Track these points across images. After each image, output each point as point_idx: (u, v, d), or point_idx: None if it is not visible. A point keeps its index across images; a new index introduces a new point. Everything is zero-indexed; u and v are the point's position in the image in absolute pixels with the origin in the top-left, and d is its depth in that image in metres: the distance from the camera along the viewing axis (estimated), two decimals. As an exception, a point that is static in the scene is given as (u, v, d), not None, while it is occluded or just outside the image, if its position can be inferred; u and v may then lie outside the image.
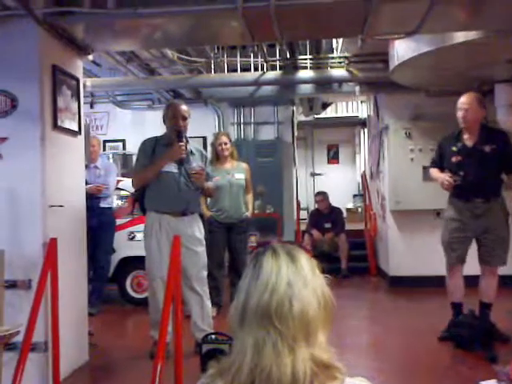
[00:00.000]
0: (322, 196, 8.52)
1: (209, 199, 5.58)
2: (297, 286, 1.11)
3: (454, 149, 4.42)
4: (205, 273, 4.32)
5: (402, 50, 4.99)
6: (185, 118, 4.21)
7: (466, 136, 4.43)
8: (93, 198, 5.36)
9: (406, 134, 6.75)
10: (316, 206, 8.71)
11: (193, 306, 4.26)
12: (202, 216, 4.49)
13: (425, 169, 6.61)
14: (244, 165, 5.83)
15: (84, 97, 4.53)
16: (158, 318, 3.61)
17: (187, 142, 4.23)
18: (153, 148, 4.22)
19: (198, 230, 4.30)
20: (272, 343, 1.08)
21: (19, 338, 3.16)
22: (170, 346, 3.67)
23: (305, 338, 1.10)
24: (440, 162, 4.59)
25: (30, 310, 3.22)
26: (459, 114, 4.38)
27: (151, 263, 4.18)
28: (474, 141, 4.38)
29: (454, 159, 4.41)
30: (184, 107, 4.25)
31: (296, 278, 1.13)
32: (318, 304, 1.13)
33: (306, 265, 1.17)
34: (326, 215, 8.34)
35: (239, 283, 1.19)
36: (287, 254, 1.17)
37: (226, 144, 5.61)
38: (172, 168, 4.14)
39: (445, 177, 4.37)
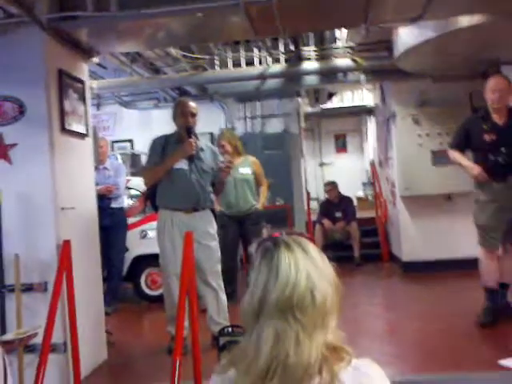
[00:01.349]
0: (331, 185, 8.52)
1: None
2: (315, 278, 1.15)
3: (485, 127, 4.37)
4: (219, 267, 4.37)
5: (406, 36, 4.98)
6: (194, 115, 4.26)
7: (495, 115, 4.39)
8: (104, 199, 5.42)
9: (413, 120, 6.74)
10: (326, 196, 8.71)
11: (208, 300, 4.30)
12: (213, 211, 4.53)
13: (433, 153, 6.62)
14: (251, 158, 5.86)
15: (91, 99, 4.56)
16: (174, 313, 3.63)
17: (197, 138, 4.28)
18: (163, 146, 4.26)
19: (210, 225, 4.34)
20: (295, 333, 1.11)
21: (38, 340, 3.21)
22: (187, 341, 3.71)
23: (322, 325, 1.14)
24: (465, 144, 4.52)
25: (48, 311, 3.27)
26: (492, 96, 4.32)
27: (165, 260, 4.22)
28: (504, 121, 4.36)
29: (487, 137, 4.34)
30: (192, 104, 4.30)
31: (313, 270, 1.16)
32: (333, 291, 1.17)
33: (317, 255, 1.20)
34: (336, 204, 8.34)
35: (251, 276, 1.21)
36: (299, 246, 1.19)
37: (223, 147, 5.61)
38: (183, 165, 4.19)
39: (478, 170, 4.33)
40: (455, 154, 4.58)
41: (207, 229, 4.30)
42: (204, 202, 4.30)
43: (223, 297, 4.36)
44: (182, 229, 4.05)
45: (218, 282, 4.34)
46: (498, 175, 4.32)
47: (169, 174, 4.18)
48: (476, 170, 4.36)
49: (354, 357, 1.17)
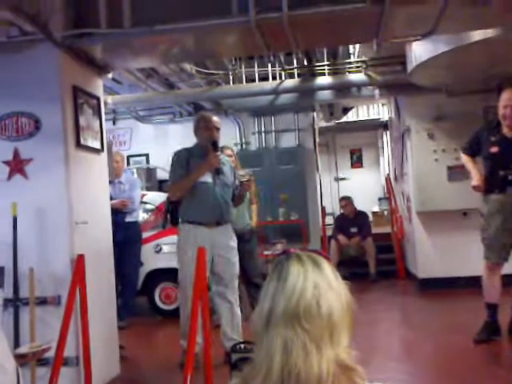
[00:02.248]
0: (346, 200, 8.49)
1: None
2: (323, 288, 1.15)
3: (493, 139, 4.41)
4: (237, 282, 4.38)
5: (420, 51, 4.98)
6: (218, 129, 4.33)
7: (506, 129, 4.40)
8: (118, 213, 5.44)
9: (428, 134, 6.70)
10: (341, 211, 8.68)
11: (223, 314, 4.30)
12: None
13: (449, 169, 6.57)
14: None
15: (106, 114, 4.62)
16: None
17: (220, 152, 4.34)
18: (186, 159, 4.28)
19: (232, 239, 4.36)
20: (301, 342, 1.11)
21: (51, 353, 3.22)
22: (199, 356, 3.70)
23: (330, 339, 1.13)
24: (475, 150, 4.58)
25: (61, 325, 3.29)
26: (503, 110, 4.34)
27: (185, 275, 4.16)
28: None
29: (492, 149, 4.39)
30: (216, 118, 4.38)
31: (321, 280, 1.17)
32: (342, 308, 1.17)
33: (330, 270, 1.21)
34: (351, 220, 8.30)
35: (262, 289, 1.22)
36: (311, 259, 1.21)
37: (230, 156, 5.57)
38: (207, 178, 4.20)
39: (477, 182, 4.39)
40: (464, 159, 4.68)
41: (229, 242, 4.31)
42: (227, 216, 4.32)
43: (238, 312, 4.35)
44: (206, 244, 4.02)
45: (235, 297, 4.35)
46: (501, 187, 4.34)
47: (193, 188, 4.19)
48: (475, 181, 4.43)
49: (366, 381, 1.16)
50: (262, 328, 1.17)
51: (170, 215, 4.46)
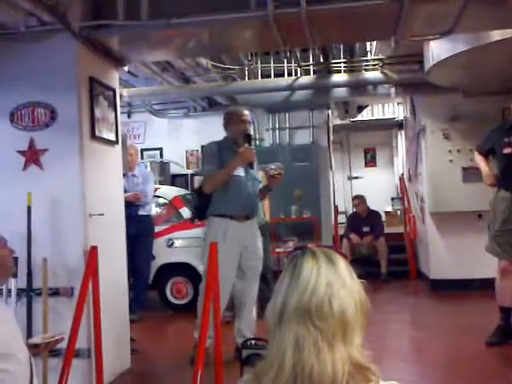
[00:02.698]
0: (359, 199, 8.45)
1: None
2: (336, 286, 1.14)
3: (506, 140, 4.41)
4: (258, 278, 4.35)
5: (438, 50, 4.92)
6: (249, 123, 4.36)
7: None
8: (132, 206, 5.45)
9: (443, 135, 6.65)
10: (354, 210, 8.64)
11: (241, 308, 4.27)
12: None
13: (464, 170, 6.51)
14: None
15: (121, 107, 4.62)
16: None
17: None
18: (218, 151, 4.24)
19: (259, 234, 4.36)
20: (313, 340, 1.10)
21: (63, 345, 3.23)
22: (209, 351, 3.69)
23: (342, 338, 1.12)
24: (488, 151, 4.60)
25: (73, 317, 3.30)
26: None
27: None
28: None
29: (505, 150, 4.40)
30: (246, 112, 4.37)
31: (335, 278, 1.15)
32: (355, 306, 1.15)
33: (344, 268, 1.19)
34: (364, 219, 8.26)
35: (276, 283, 1.21)
36: (326, 256, 1.19)
37: None
38: (240, 172, 4.16)
39: (490, 181, 4.46)
40: (477, 158, 4.71)
41: (257, 237, 4.31)
42: (256, 211, 4.34)
43: (254, 308, 4.34)
44: (235, 238, 4.08)
45: (254, 293, 4.33)
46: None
47: (226, 181, 4.14)
48: (489, 181, 4.52)
49: (380, 378, 1.15)
50: (274, 323, 1.16)
51: (199, 209, 4.41)
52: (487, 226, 4.58)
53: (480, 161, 4.64)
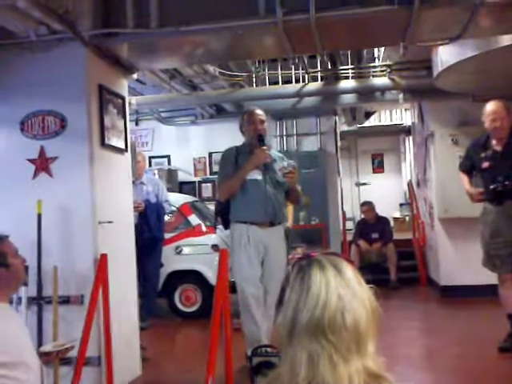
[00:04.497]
0: (368, 206, 8.41)
1: None
2: (347, 299, 1.12)
3: (483, 155, 4.44)
4: (279, 285, 4.25)
5: (446, 55, 4.91)
6: (262, 122, 4.14)
7: (494, 142, 4.42)
8: (143, 214, 5.47)
9: (452, 140, 6.62)
10: (362, 216, 8.60)
11: (262, 316, 4.06)
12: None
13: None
14: None
15: (129, 114, 4.63)
16: (255, 336, 3.81)
17: (269, 147, 4.17)
18: (235, 157, 4.12)
19: (283, 242, 4.18)
20: (328, 355, 1.08)
21: (74, 353, 3.23)
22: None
23: (357, 349, 1.10)
24: (470, 168, 4.62)
25: (83, 325, 3.29)
26: (490, 124, 4.36)
27: (242, 279, 3.98)
28: (503, 145, 4.37)
29: (483, 165, 4.41)
30: (260, 111, 4.19)
31: (345, 290, 1.13)
32: (367, 315, 1.14)
33: (353, 277, 1.17)
34: (372, 225, 8.22)
35: (285, 294, 1.19)
36: (333, 266, 1.17)
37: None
38: (256, 175, 4.01)
39: (475, 192, 4.45)
40: (461, 176, 4.70)
41: (281, 245, 4.13)
42: (280, 216, 4.13)
43: (272, 316, 4.27)
44: (259, 245, 3.96)
45: (272, 301, 4.18)
46: (494, 199, 4.35)
47: (243, 186, 4.01)
48: (473, 199, 4.52)
49: None
50: (285, 337, 1.15)
51: (221, 217, 4.27)
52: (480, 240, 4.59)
53: (463, 180, 4.65)
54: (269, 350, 3.69)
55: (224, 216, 4.19)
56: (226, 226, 4.24)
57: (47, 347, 2.66)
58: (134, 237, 4.44)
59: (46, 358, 2.51)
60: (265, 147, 4.03)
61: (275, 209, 4.04)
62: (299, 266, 1.20)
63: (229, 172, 4.07)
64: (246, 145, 4.21)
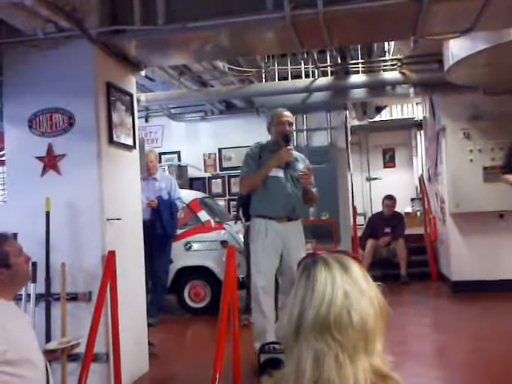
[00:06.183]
0: (391, 201, 8.28)
1: None
2: (354, 296, 1.10)
3: None
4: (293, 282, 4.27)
5: (457, 48, 4.86)
6: (290, 124, 4.32)
7: None
8: (155, 210, 5.49)
9: (464, 134, 6.55)
10: (382, 210, 8.47)
11: (270, 308, 4.14)
12: None
13: (485, 170, 6.42)
14: None
15: (139, 111, 4.63)
16: (264, 329, 3.86)
17: (293, 147, 4.32)
18: (259, 154, 4.27)
19: (302, 237, 4.31)
20: (334, 355, 1.07)
21: (81, 349, 3.23)
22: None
23: (364, 348, 1.09)
24: None
25: (91, 321, 3.30)
26: None
27: (255, 271, 4.15)
28: None
29: None
30: (288, 113, 4.34)
31: (352, 288, 1.11)
32: (375, 313, 1.11)
33: (360, 274, 1.15)
34: (387, 219, 8.16)
35: (291, 292, 1.18)
36: (339, 263, 1.15)
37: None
38: (279, 173, 4.17)
39: None
40: (506, 177, 4.71)
41: (299, 240, 4.24)
42: (298, 212, 4.27)
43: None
44: (276, 239, 4.07)
45: (284, 297, 4.25)
46: None
47: (264, 182, 4.16)
48: None
49: None
50: (291, 336, 1.13)
51: (242, 211, 4.42)
52: None
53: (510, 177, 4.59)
54: (277, 346, 3.69)
55: (245, 209, 4.34)
56: (247, 219, 4.39)
57: (52, 344, 2.66)
58: (147, 233, 4.45)
59: (51, 355, 2.51)
60: (289, 147, 4.18)
61: (294, 205, 4.19)
62: (305, 265, 1.18)
63: (252, 167, 4.22)
64: (271, 143, 4.36)
